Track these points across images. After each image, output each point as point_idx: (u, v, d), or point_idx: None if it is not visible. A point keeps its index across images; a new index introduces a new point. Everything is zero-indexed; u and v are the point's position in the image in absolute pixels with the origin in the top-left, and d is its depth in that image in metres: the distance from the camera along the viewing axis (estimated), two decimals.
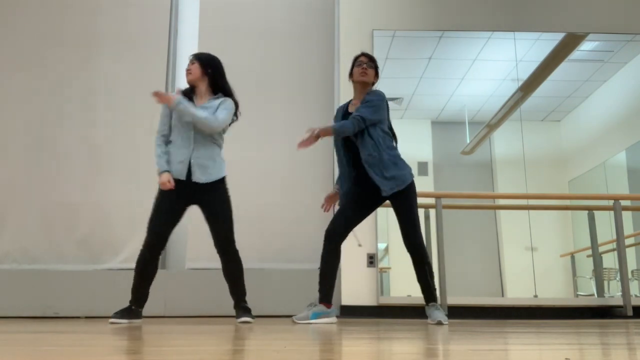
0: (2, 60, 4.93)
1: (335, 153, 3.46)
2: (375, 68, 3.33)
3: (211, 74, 3.29)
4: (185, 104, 3.11)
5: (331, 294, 3.20)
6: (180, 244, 4.64)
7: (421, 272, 3.14)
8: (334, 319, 3.21)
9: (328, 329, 2.51)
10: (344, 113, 3.35)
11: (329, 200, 3.39)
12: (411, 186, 3.16)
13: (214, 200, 3.19)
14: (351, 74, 3.33)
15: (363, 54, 3.35)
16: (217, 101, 3.26)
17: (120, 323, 3.06)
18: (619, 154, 5.33)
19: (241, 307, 3.19)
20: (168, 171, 3.15)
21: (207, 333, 2.16)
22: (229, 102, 3.25)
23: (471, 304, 4.24)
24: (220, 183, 3.22)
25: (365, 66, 3.26)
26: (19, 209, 4.64)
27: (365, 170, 3.18)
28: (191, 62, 3.29)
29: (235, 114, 3.32)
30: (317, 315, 3.14)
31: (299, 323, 3.10)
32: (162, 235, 3.13)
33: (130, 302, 3.16)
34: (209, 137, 3.22)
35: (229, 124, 3.30)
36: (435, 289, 3.20)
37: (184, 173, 3.15)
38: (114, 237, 4.59)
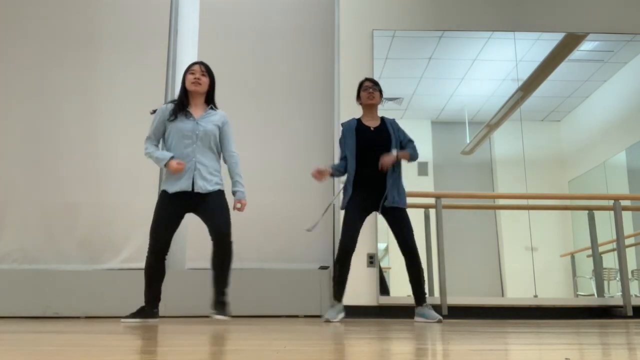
0: (2, 60, 4.93)
1: (343, 155, 3.63)
2: (380, 91, 3.62)
3: (212, 86, 3.35)
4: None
5: None
6: (180, 244, 4.64)
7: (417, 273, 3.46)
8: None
9: (331, 329, 2.51)
10: (359, 129, 3.54)
11: (319, 174, 3.53)
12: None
13: (212, 200, 3.24)
14: (359, 98, 3.64)
15: (367, 79, 3.66)
16: (217, 116, 3.32)
17: (133, 322, 3.06)
18: (619, 154, 5.33)
19: (219, 302, 3.14)
20: (172, 157, 3.19)
21: (207, 333, 2.16)
22: (230, 126, 3.37)
23: (471, 304, 4.24)
24: (220, 193, 3.28)
25: (372, 90, 3.58)
26: (19, 209, 4.64)
27: (377, 181, 3.44)
28: (202, 73, 3.27)
29: None
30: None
31: (334, 322, 3.29)
32: (164, 240, 3.18)
33: (145, 303, 3.20)
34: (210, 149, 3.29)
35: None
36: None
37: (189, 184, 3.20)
38: (114, 237, 4.59)
